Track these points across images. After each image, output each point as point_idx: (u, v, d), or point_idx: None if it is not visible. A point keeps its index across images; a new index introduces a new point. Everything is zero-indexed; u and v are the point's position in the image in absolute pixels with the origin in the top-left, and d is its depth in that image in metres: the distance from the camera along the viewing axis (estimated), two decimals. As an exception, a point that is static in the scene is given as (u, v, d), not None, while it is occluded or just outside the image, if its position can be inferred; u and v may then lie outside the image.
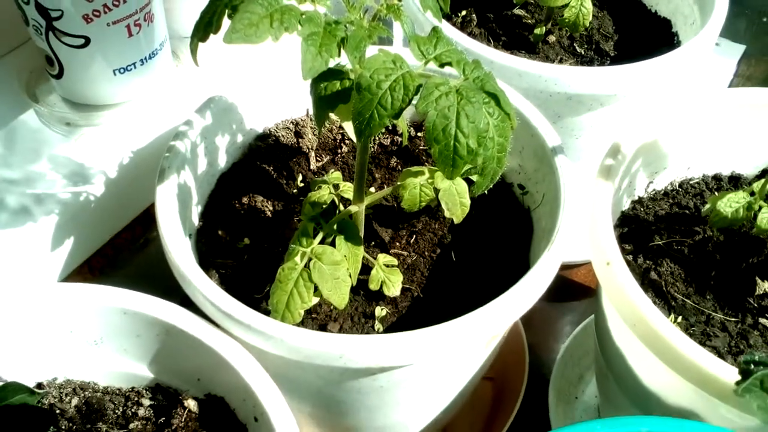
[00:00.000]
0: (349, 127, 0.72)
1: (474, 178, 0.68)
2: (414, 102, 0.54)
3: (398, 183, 0.70)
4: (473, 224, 0.76)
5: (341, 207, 0.71)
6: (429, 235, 0.77)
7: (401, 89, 0.54)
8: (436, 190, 0.69)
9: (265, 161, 0.80)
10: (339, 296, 0.64)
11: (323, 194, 0.71)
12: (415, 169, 0.69)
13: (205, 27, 0.54)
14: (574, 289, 1.07)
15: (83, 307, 0.64)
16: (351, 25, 0.56)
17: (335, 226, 0.66)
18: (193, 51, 0.56)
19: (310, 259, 0.64)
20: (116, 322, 0.64)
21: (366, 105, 0.54)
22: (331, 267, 0.63)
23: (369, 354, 0.59)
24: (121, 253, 0.89)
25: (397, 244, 0.77)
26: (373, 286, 0.70)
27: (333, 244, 0.66)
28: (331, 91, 0.61)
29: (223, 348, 0.61)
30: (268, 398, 0.58)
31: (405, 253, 0.76)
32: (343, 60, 0.60)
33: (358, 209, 0.69)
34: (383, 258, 0.72)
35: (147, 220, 0.90)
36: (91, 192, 0.78)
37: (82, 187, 0.78)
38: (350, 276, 0.65)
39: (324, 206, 0.71)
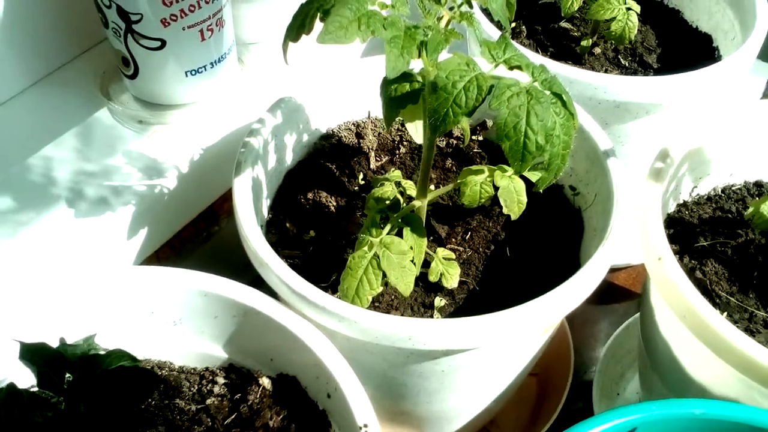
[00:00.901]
0: (412, 128, 0.77)
1: (530, 176, 0.73)
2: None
3: (459, 180, 0.74)
4: (526, 223, 0.80)
5: (403, 203, 0.75)
6: (483, 233, 0.81)
7: (475, 89, 0.58)
8: (495, 188, 0.73)
9: (329, 160, 0.85)
10: (405, 284, 0.68)
11: (386, 190, 0.76)
12: (475, 167, 0.74)
13: (297, 28, 0.59)
14: (614, 292, 1.10)
15: (166, 289, 0.69)
16: (429, 29, 0.60)
17: (401, 219, 0.70)
18: (285, 50, 0.60)
19: (379, 248, 0.68)
20: (196, 303, 0.69)
21: (442, 103, 0.58)
22: (399, 256, 0.68)
23: (436, 337, 0.63)
24: (185, 245, 0.93)
25: (453, 240, 0.81)
26: (433, 277, 0.74)
27: (399, 235, 0.70)
28: (401, 93, 0.66)
29: (299, 328, 0.65)
30: (341, 375, 0.62)
31: (460, 248, 0.80)
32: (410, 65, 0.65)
33: (421, 204, 0.73)
34: (442, 252, 0.76)
35: (210, 215, 0.95)
36: (164, 185, 0.83)
37: (156, 180, 0.83)
38: (414, 265, 0.69)
39: (387, 202, 0.75)
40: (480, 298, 0.76)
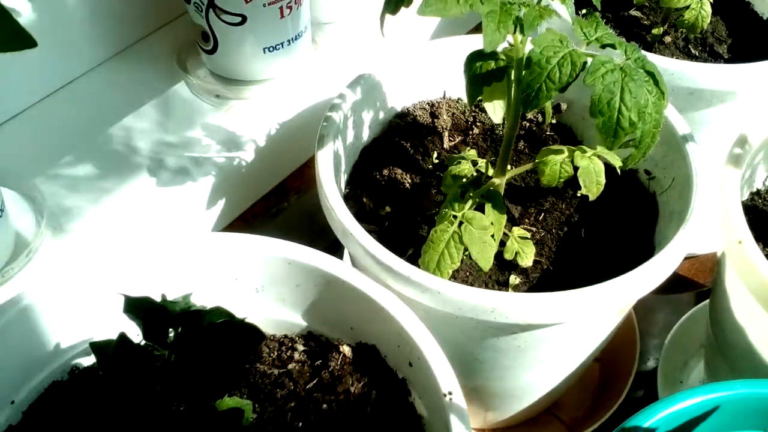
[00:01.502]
0: (490, 108, 0.77)
1: (609, 158, 0.73)
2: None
3: (538, 160, 0.75)
4: (599, 206, 0.81)
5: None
6: (556, 214, 0.82)
7: (568, 65, 0.59)
8: (574, 169, 0.74)
9: (403, 138, 0.86)
10: (485, 259, 0.69)
11: (463, 168, 0.77)
12: (554, 147, 0.74)
13: (396, 1, 0.60)
14: (677, 282, 1.10)
15: (251, 256, 0.70)
16: (523, 5, 0.61)
17: (482, 195, 0.71)
18: (382, 22, 0.61)
19: (461, 223, 0.69)
20: (280, 271, 0.70)
21: (535, 78, 0.59)
22: (480, 231, 0.69)
23: (520, 310, 0.64)
24: (256, 219, 0.95)
25: (526, 220, 0.82)
26: (508, 255, 0.75)
27: (479, 211, 0.71)
28: (486, 70, 0.67)
29: (382, 298, 0.66)
30: (424, 343, 0.63)
31: (533, 229, 0.81)
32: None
33: (500, 182, 0.74)
34: (517, 231, 0.77)
35: (281, 191, 0.97)
36: (242, 158, 0.85)
37: (235, 153, 0.85)
38: (494, 241, 0.70)
39: (464, 180, 0.76)
40: (553, 277, 0.77)
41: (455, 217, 0.69)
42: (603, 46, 0.63)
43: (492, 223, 0.70)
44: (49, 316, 0.68)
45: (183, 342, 0.51)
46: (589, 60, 0.59)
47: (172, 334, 0.53)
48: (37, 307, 0.67)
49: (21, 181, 0.79)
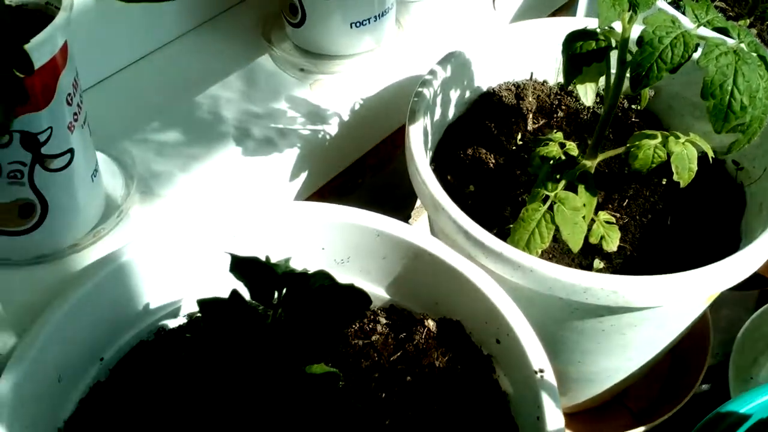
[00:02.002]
0: (582, 90, 0.77)
1: (702, 144, 0.72)
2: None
3: (629, 144, 0.74)
4: (685, 194, 0.80)
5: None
6: (640, 201, 0.81)
7: (681, 46, 0.58)
8: (667, 154, 0.73)
9: (487, 118, 0.86)
10: (575, 240, 0.69)
11: (551, 150, 0.76)
12: (648, 131, 0.74)
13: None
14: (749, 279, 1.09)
15: (340, 226, 0.71)
16: (636, -15, 0.60)
17: (576, 177, 0.71)
18: (492, -4, 0.61)
19: (553, 203, 0.69)
20: (368, 243, 0.71)
21: (646, 57, 0.59)
22: (572, 212, 0.68)
23: (614, 291, 0.64)
24: (333, 195, 0.95)
25: (610, 206, 0.81)
26: (593, 239, 0.75)
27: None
28: (586, 50, 0.66)
29: (472, 273, 0.66)
30: (515, 320, 0.63)
31: (617, 215, 0.80)
32: (591, 25, 0.65)
33: (591, 165, 0.74)
34: (603, 215, 0.76)
35: (358, 168, 0.97)
36: (326, 131, 0.85)
37: (319, 126, 0.85)
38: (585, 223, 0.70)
39: (552, 161, 0.76)
40: (636, 264, 0.77)
41: (547, 197, 0.69)
42: (716, 30, 0.62)
43: (584, 205, 0.70)
44: (140, 277, 0.69)
45: (290, 303, 0.52)
46: (701, 42, 0.59)
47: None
48: (130, 266, 0.68)
49: (111, 144, 0.80)
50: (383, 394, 0.66)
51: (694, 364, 0.93)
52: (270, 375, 0.54)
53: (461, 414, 0.65)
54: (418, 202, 1.09)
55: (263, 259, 0.56)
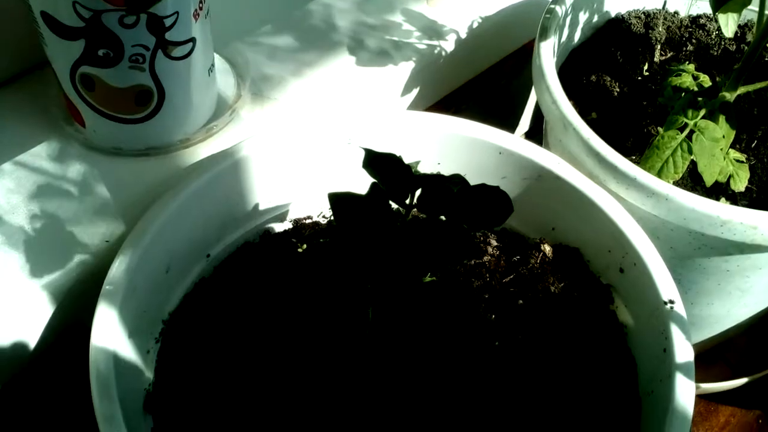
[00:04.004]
0: (723, 20, 0.72)
1: None
2: None
3: (774, 80, 0.70)
4: (820, 140, 0.75)
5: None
6: (770, 143, 0.77)
7: None
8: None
9: (613, 45, 0.82)
10: (711, 173, 0.65)
11: (684, 80, 0.72)
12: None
13: None
14: None
15: (460, 140, 0.68)
16: None
17: (717, 106, 0.67)
18: None
19: (691, 132, 0.65)
20: (487, 160, 0.68)
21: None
22: (711, 143, 0.65)
23: (754, 228, 0.60)
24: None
25: (737, 146, 0.77)
26: (721, 178, 0.71)
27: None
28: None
29: (599, 197, 0.63)
30: (644, 248, 0.60)
31: (744, 155, 0.76)
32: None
33: (731, 97, 0.69)
34: (733, 153, 0.72)
35: (464, 90, 0.94)
36: (443, 47, 0.82)
37: (435, 41, 0.82)
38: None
39: (683, 93, 0.71)
40: (762, 208, 0.72)
41: (686, 125, 0.65)
42: None
43: (723, 137, 0.66)
44: (251, 176, 0.67)
45: (426, 203, 0.49)
46: None
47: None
48: (244, 164, 0.66)
49: (224, 44, 0.79)
50: (493, 316, 0.64)
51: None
52: (391, 281, 0.52)
53: (574, 342, 0.62)
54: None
55: (399, 156, 0.53)
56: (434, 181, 0.50)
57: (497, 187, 0.48)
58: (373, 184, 0.48)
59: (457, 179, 0.52)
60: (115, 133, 0.69)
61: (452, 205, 0.48)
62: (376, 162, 0.51)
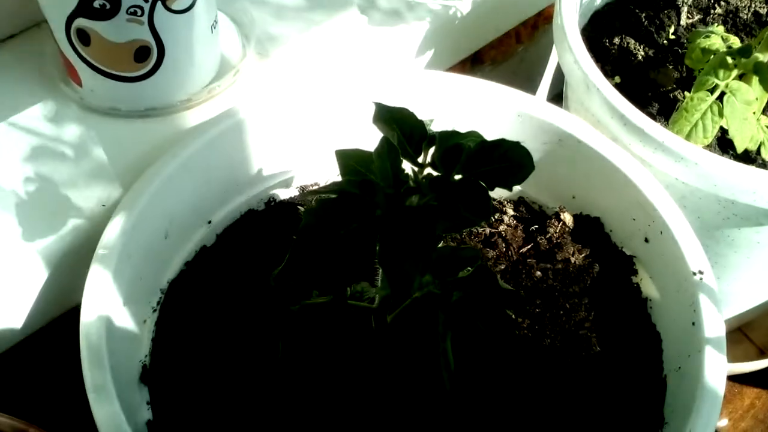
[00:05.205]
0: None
1: None
2: None
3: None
4: None
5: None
6: (803, 111, 0.73)
7: None
8: None
9: (638, 7, 0.78)
10: (742, 137, 0.61)
11: (713, 42, 0.68)
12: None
13: None
14: None
15: (476, 101, 0.64)
16: None
17: (750, 66, 0.63)
18: None
19: (722, 94, 0.61)
20: (506, 124, 0.64)
21: None
22: (744, 105, 0.61)
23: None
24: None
25: (766, 113, 0.73)
26: (752, 145, 0.67)
27: (742, 85, 0.63)
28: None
29: (624, 163, 0.59)
30: (671, 217, 0.57)
31: (774, 124, 0.72)
32: None
33: (764, 58, 0.65)
34: (764, 119, 0.68)
35: (477, 58, 0.90)
36: (458, 8, 0.78)
37: (452, 1, 0.78)
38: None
39: (712, 55, 0.67)
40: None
41: (716, 86, 0.61)
42: None
43: (756, 99, 0.62)
44: (255, 138, 0.64)
45: (442, 160, 0.46)
46: None
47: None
48: (246, 126, 0.63)
49: (229, 3, 0.75)
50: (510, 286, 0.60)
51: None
52: (403, 245, 0.48)
53: (594, 317, 0.59)
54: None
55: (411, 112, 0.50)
56: (450, 137, 0.47)
57: (518, 143, 0.44)
58: (384, 138, 0.45)
59: (475, 135, 0.49)
60: (113, 93, 0.65)
61: (469, 163, 0.45)
62: (387, 116, 0.47)
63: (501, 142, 0.44)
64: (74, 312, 0.57)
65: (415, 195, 0.45)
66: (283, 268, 0.42)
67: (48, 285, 0.59)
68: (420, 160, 0.47)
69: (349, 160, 0.47)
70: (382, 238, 0.42)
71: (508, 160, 0.45)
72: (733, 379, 0.86)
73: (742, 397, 0.86)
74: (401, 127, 0.47)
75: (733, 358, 0.86)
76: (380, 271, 0.50)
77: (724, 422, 0.85)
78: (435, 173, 0.46)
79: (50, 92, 0.68)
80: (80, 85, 0.66)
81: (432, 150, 0.47)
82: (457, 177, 0.45)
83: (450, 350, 0.45)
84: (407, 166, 0.46)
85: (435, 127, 0.63)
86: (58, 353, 0.67)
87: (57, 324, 0.62)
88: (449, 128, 0.62)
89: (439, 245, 0.48)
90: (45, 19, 0.63)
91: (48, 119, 0.66)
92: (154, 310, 0.59)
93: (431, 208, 0.44)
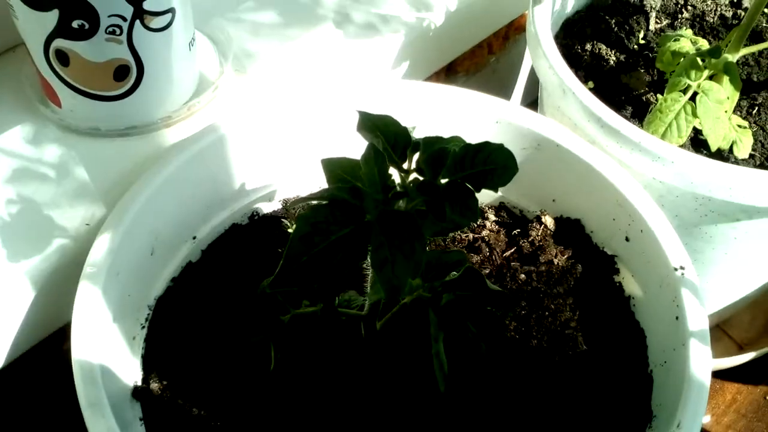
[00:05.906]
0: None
1: None
2: None
3: (774, 41, 0.68)
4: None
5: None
6: (771, 109, 0.74)
7: None
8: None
9: (608, 14, 0.79)
10: (716, 136, 0.63)
11: (683, 45, 0.70)
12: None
13: None
14: None
15: (453, 110, 0.65)
16: None
17: (720, 66, 0.65)
18: None
19: (695, 94, 0.62)
20: (485, 130, 0.65)
21: None
22: (716, 104, 0.62)
23: (764, 189, 0.58)
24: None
25: (737, 112, 0.75)
26: (724, 144, 0.68)
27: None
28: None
29: (602, 164, 0.61)
30: (650, 215, 0.58)
31: (745, 122, 0.74)
32: None
33: (732, 59, 0.67)
34: (735, 119, 0.70)
35: (451, 68, 0.91)
36: (432, 20, 0.79)
37: (425, 14, 0.79)
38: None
39: (682, 57, 0.69)
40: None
41: (688, 87, 0.63)
42: None
43: (728, 98, 0.63)
44: (236, 154, 0.64)
45: (427, 165, 0.46)
46: None
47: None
48: (228, 141, 0.63)
49: (205, 21, 0.75)
50: (495, 291, 0.61)
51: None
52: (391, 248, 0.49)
53: (580, 314, 0.60)
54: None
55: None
56: (434, 142, 0.47)
57: (501, 145, 0.45)
58: (370, 144, 0.45)
59: (458, 140, 0.49)
60: (93, 112, 0.65)
61: (454, 166, 0.45)
62: (371, 124, 0.48)
63: (485, 146, 0.45)
64: (62, 332, 0.57)
65: (403, 199, 0.46)
66: (277, 275, 0.42)
67: (35, 306, 0.58)
68: (405, 166, 0.48)
69: (335, 168, 0.47)
70: (373, 243, 0.43)
71: (493, 162, 0.45)
72: (714, 375, 0.88)
73: (723, 392, 0.87)
74: (385, 135, 0.47)
75: (713, 354, 0.87)
76: (369, 277, 0.50)
77: (707, 419, 0.86)
78: (421, 178, 0.47)
79: (29, 114, 0.68)
80: (59, 105, 0.66)
81: (417, 156, 0.48)
82: (444, 180, 0.46)
83: (443, 352, 0.46)
84: (393, 173, 0.47)
85: (416, 135, 0.65)
86: (45, 374, 0.67)
87: (45, 345, 0.62)
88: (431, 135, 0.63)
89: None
90: (21, 42, 0.63)
91: (28, 141, 0.66)
92: (143, 327, 0.59)
93: (420, 212, 0.45)
